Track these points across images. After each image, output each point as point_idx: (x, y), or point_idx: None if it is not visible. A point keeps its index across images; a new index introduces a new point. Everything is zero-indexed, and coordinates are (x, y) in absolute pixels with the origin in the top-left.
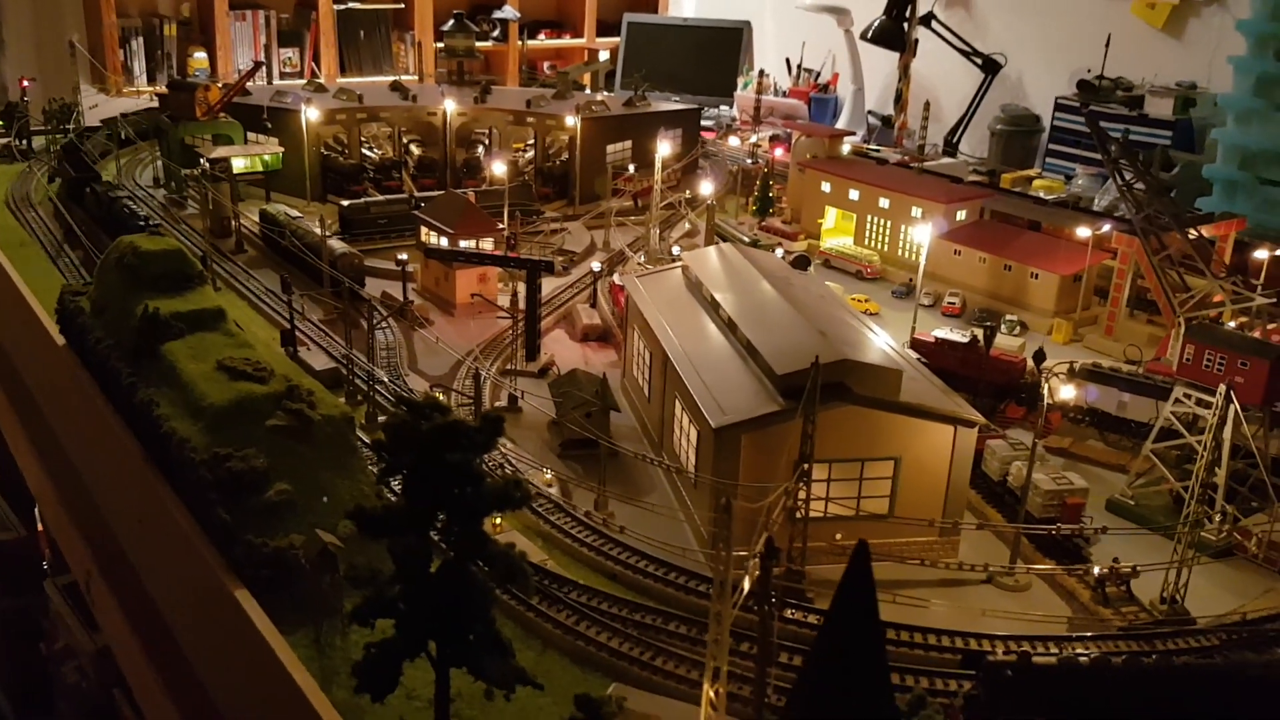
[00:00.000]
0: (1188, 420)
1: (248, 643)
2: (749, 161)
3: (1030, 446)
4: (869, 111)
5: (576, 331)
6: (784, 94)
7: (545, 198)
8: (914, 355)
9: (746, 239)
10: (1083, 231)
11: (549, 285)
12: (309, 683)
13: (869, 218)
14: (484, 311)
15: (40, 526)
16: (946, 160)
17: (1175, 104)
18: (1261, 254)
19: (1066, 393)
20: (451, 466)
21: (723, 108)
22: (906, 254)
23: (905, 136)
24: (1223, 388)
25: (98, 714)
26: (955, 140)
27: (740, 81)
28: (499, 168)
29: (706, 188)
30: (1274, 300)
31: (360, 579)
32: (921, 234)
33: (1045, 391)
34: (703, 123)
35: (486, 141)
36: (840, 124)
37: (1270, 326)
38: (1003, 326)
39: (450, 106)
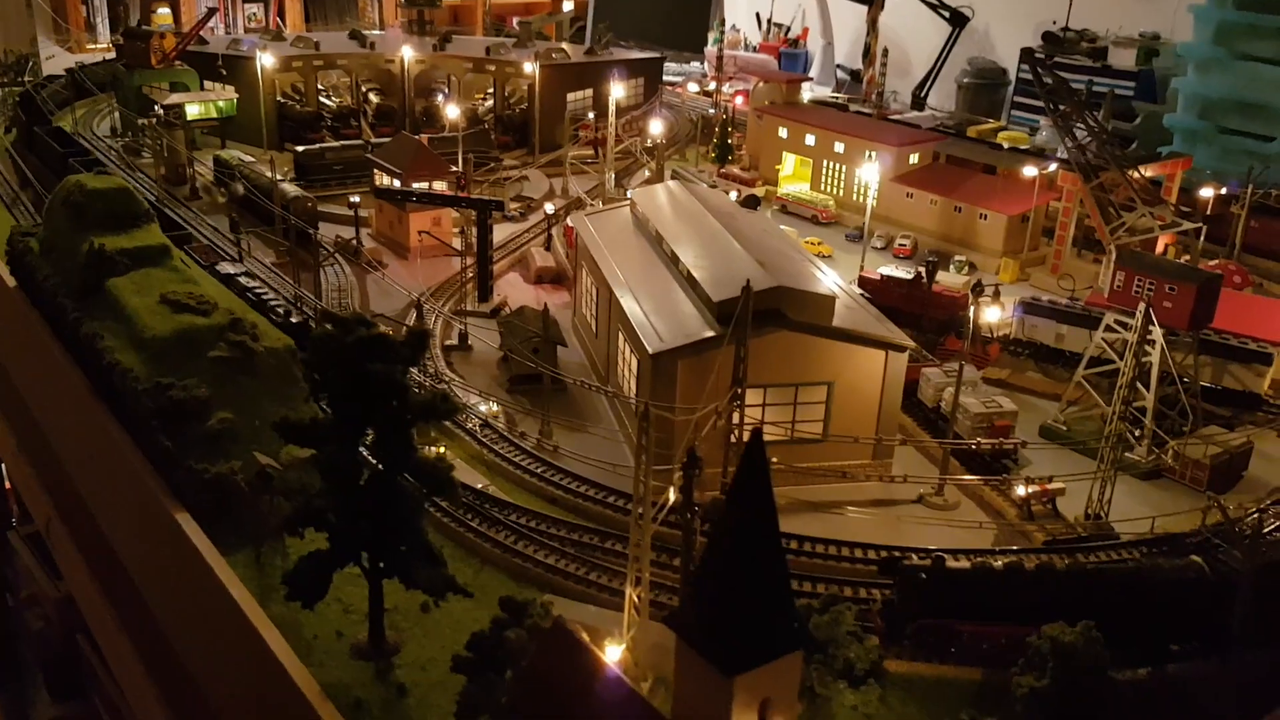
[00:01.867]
0: (1119, 347)
1: (189, 565)
2: (711, 111)
3: (959, 371)
4: (838, 65)
5: (530, 273)
6: (754, 49)
7: (505, 145)
8: (859, 291)
9: (707, 186)
10: (1029, 171)
11: (505, 230)
12: (246, 598)
13: (825, 163)
14: (435, 252)
15: (8, 485)
16: (913, 114)
17: (1138, 55)
18: (1206, 192)
19: (992, 314)
20: (374, 377)
21: (694, 63)
22: (861, 199)
23: (874, 90)
24: (1142, 306)
25: (62, 659)
26: (923, 94)
27: (710, 36)
28: (453, 111)
29: (656, 127)
30: (1200, 226)
31: (290, 491)
32: (869, 173)
33: (972, 314)
34: (674, 77)
35: (445, 89)
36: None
37: (1213, 263)
38: (952, 267)
39: (408, 54)
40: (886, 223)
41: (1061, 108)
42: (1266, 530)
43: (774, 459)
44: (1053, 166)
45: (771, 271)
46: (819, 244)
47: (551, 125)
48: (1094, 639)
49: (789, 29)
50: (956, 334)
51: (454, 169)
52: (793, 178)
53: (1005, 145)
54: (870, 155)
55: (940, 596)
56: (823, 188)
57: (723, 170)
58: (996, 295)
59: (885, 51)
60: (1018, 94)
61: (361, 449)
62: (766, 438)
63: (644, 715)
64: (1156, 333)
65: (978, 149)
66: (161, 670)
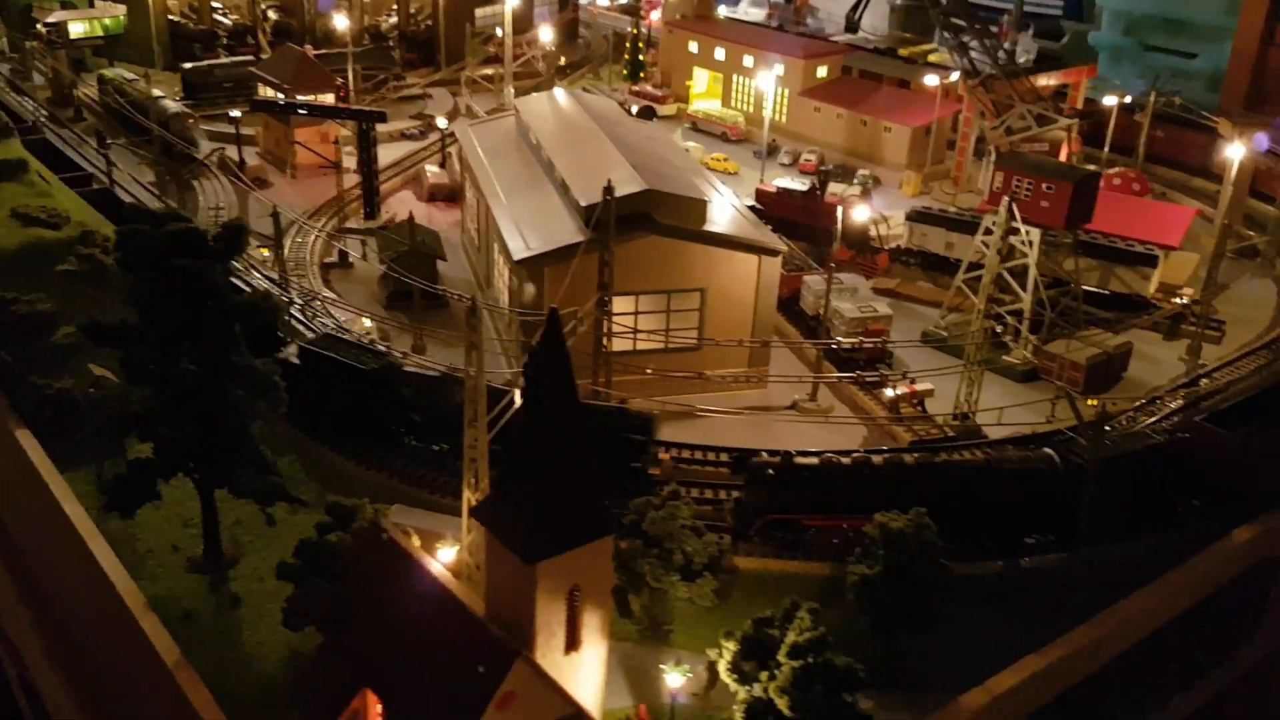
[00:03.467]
0: (1001, 249)
1: (30, 481)
2: (627, 29)
3: (828, 278)
4: None
5: (424, 191)
6: None
7: (410, 63)
8: (749, 202)
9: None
10: (929, 80)
11: (402, 149)
12: (78, 512)
13: (735, 78)
14: (321, 168)
15: None
16: (847, 35)
17: None
18: (1110, 100)
19: (860, 214)
20: (183, 272)
21: None
22: (772, 114)
23: (808, 14)
24: (1005, 200)
25: None
26: (858, 15)
27: None
28: (341, 23)
29: (545, 34)
30: (1074, 122)
31: (110, 397)
32: (765, 82)
33: (841, 215)
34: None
35: (348, 5)
36: (743, 2)
37: (1112, 171)
38: (855, 181)
39: None
40: (796, 138)
41: (955, 22)
42: (1113, 424)
43: (648, 368)
44: (954, 76)
45: (645, 176)
46: (725, 160)
47: (459, 42)
48: (924, 526)
49: None
50: (847, 244)
51: (340, 81)
52: (706, 95)
53: (919, 60)
54: (779, 70)
55: (789, 493)
56: (733, 104)
57: (634, 88)
58: (865, 193)
59: None
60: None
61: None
62: (641, 346)
63: (456, 611)
64: (1033, 233)
65: (888, 62)
66: (21, 583)
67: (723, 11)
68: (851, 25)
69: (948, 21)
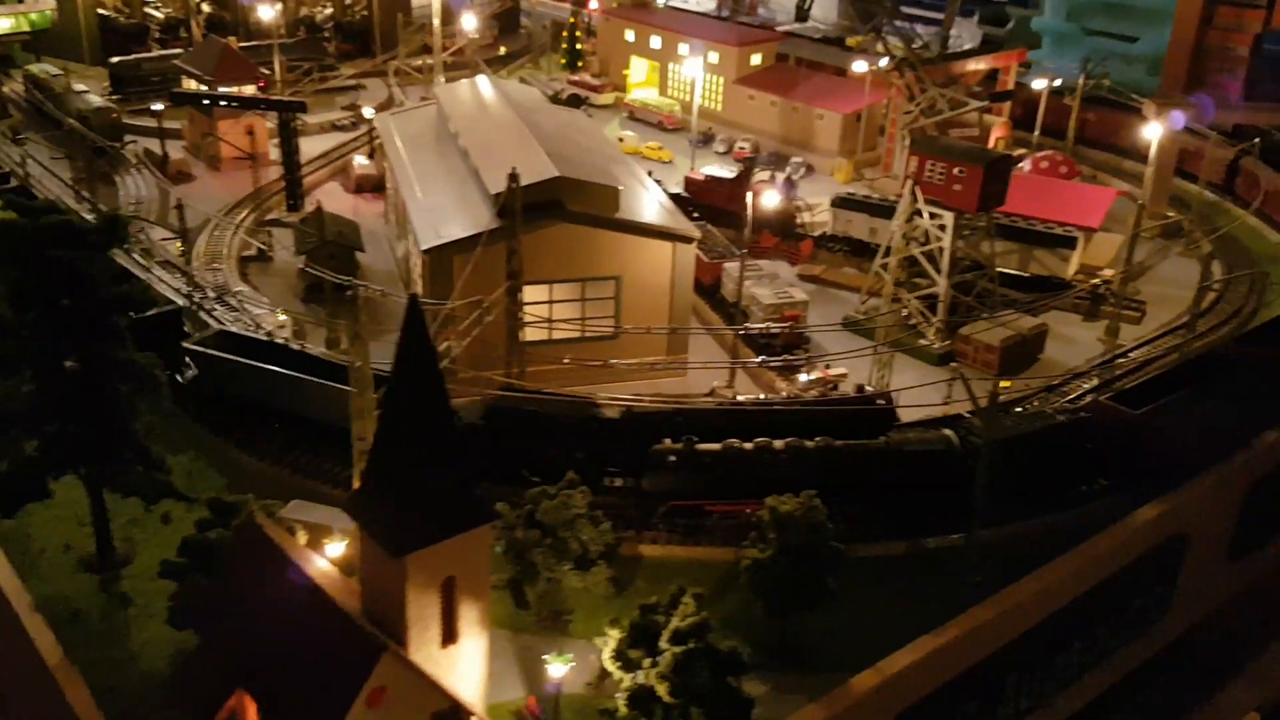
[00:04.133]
0: (919, 236)
1: None
2: (569, 18)
3: (741, 259)
4: None
5: (351, 182)
6: None
7: (346, 54)
8: (674, 192)
9: (549, 94)
10: (858, 67)
11: (331, 140)
12: None
13: (670, 66)
14: (249, 161)
15: None
16: (798, 24)
17: None
18: (1040, 84)
19: (769, 199)
20: (56, 264)
21: None
22: (707, 103)
23: (760, 2)
24: (909, 183)
25: None
26: (807, 5)
27: None
28: (267, 14)
29: (469, 23)
30: (987, 106)
31: None
32: (692, 69)
33: (750, 201)
34: None
35: None
36: None
37: (1039, 154)
38: (789, 169)
39: None
40: (732, 126)
41: (869, 7)
42: (1024, 404)
43: (565, 357)
44: (883, 62)
45: (558, 163)
46: (659, 149)
47: (396, 32)
48: (814, 508)
49: None
50: (771, 230)
51: (264, 72)
52: (645, 84)
53: (869, 49)
54: (714, 58)
55: (692, 479)
56: (670, 93)
57: (573, 78)
58: (789, 181)
59: None
60: (900, 3)
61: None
62: (557, 335)
63: (325, 608)
64: (947, 217)
65: (824, 49)
66: None
67: (676, 1)
68: (802, 14)
69: (863, 6)
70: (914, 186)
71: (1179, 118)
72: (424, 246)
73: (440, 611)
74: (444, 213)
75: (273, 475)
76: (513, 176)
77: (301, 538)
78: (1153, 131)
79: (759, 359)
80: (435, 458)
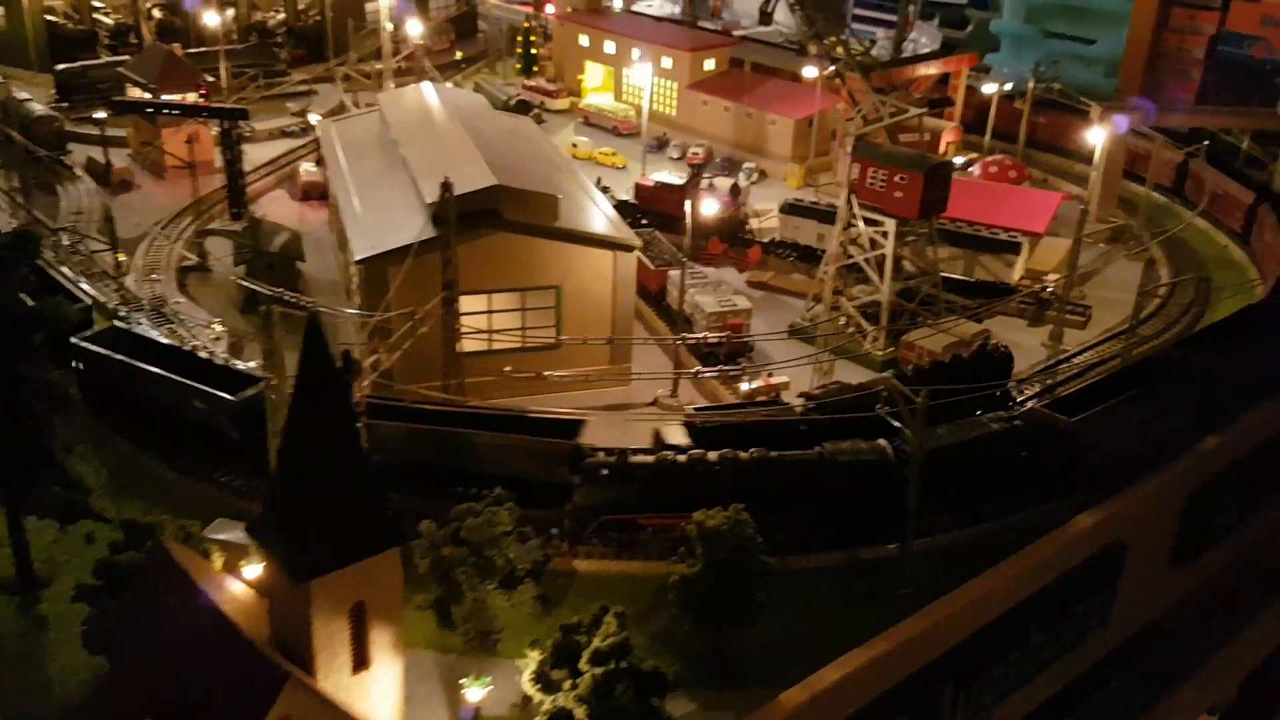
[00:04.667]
0: (863, 242)
1: None
2: (526, 22)
3: (682, 266)
4: None
5: (297, 190)
6: None
7: (299, 59)
8: (622, 199)
9: (503, 99)
10: (808, 72)
11: (280, 147)
12: None
13: (625, 72)
14: (201, 169)
15: None
16: (760, 29)
17: None
18: (989, 88)
19: (708, 207)
20: None
21: None
22: (661, 108)
23: (722, 7)
24: (843, 193)
25: None
26: (770, 9)
27: None
28: (212, 20)
29: (415, 28)
30: (926, 111)
31: None
32: (642, 76)
33: (689, 207)
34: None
35: (231, 1)
36: None
37: (989, 159)
38: (741, 174)
39: None
40: (686, 131)
41: (808, 14)
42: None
43: (507, 367)
44: (832, 68)
45: (497, 171)
46: (613, 155)
47: (348, 37)
48: (742, 522)
49: None
50: (720, 237)
51: (208, 79)
52: (600, 89)
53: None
54: (667, 63)
55: (625, 492)
56: (625, 98)
57: (528, 83)
58: (711, 186)
59: None
60: (859, 5)
61: None
62: (497, 346)
63: (230, 635)
64: (889, 224)
65: (778, 54)
66: None
67: (637, 5)
68: (765, 18)
69: (805, 13)
70: (849, 195)
71: (1122, 122)
72: (357, 257)
73: (350, 637)
74: (380, 222)
75: (198, 491)
76: (445, 186)
77: (217, 560)
78: (1096, 136)
79: (694, 370)
80: (340, 478)
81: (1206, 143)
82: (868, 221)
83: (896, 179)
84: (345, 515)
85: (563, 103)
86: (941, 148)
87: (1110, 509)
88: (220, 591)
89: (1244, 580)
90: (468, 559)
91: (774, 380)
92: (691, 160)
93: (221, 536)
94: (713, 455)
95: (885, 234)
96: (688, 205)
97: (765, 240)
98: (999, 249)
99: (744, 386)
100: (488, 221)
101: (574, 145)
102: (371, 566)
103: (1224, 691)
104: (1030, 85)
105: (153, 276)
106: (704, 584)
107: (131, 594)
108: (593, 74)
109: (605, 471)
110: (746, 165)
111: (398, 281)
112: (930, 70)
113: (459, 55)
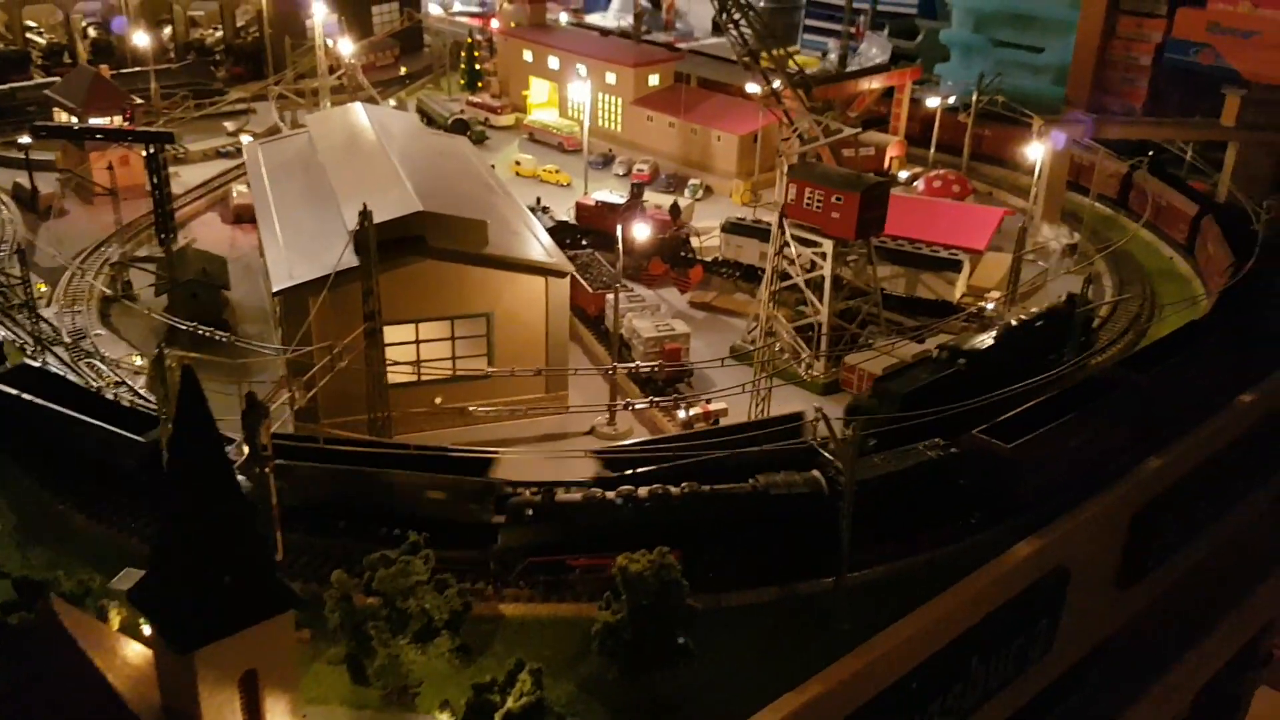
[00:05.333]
0: (803, 262)
1: None
2: (469, 37)
3: (616, 297)
4: None
5: (230, 213)
6: None
7: (238, 77)
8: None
9: (447, 115)
10: (751, 88)
11: (211, 169)
12: None
13: (569, 87)
14: (127, 194)
15: None
16: (713, 41)
17: None
18: (933, 102)
19: (640, 232)
20: None
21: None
22: (606, 124)
23: (676, 19)
24: (777, 214)
25: None
26: (724, 21)
27: None
28: (141, 40)
29: (346, 47)
30: (860, 129)
31: None
32: (580, 91)
33: (620, 231)
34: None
35: (170, 19)
36: (612, 8)
37: (933, 173)
38: (687, 191)
39: None
40: (632, 147)
41: (742, 31)
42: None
43: (438, 399)
44: (777, 83)
45: (423, 197)
46: (557, 172)
47: (287, 54)
48: (666, 565)
49: None
50: (662, 257)
51: (137, 101)
52: (546, 105)
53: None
54: (611, 78)
55: (551, 532)
56: (570, 114)
57: (473, 99)
58: (640, 208)
59: None
60: (809, 17)
61: None
62: (426, 376)
63: (111, 708)
64: (826, 244)
65: (724, 68)
66: None
67: (590, 17)
68: (718, 30)
69: (735, 28)
70: (780, 217)
71: (1059, 138)
72: (276, 288)
73: (241, 706)
74: (304, 250)
75: (106, 538)
76: (364, 214)
77: (115, 619)
78: (1034, 151)
79: (626, 402)
80: (224, 541)
81: (1151, 153)
82: (805, 243)
83: (833, 199)
84: (231, 580)
85: (508, 119)
86: (885, 162)
87: (1051, 534)
88: (111, 657)
89: (1193, 598)
90: (380, 611)
91: (712, 407)
92: (637, 177)
93: (127, 588)
94: (643, 491)
95: (824, 255)
96: (619, 228)
97: (707, 260)
98: (938, 267)
99: (681, 414)
100: (413, 249)
101: (517, 163)
102: (261, 633)
103: (1178, 709)
104: (974, 97)
105: (75, 308)
106: (626, 631)
107: (17, 660)
108: (538, 90)
109: (530, 511)
110: (692, 182)
111: (314, 313)
112: (873, 85)
113: (403, 71)
